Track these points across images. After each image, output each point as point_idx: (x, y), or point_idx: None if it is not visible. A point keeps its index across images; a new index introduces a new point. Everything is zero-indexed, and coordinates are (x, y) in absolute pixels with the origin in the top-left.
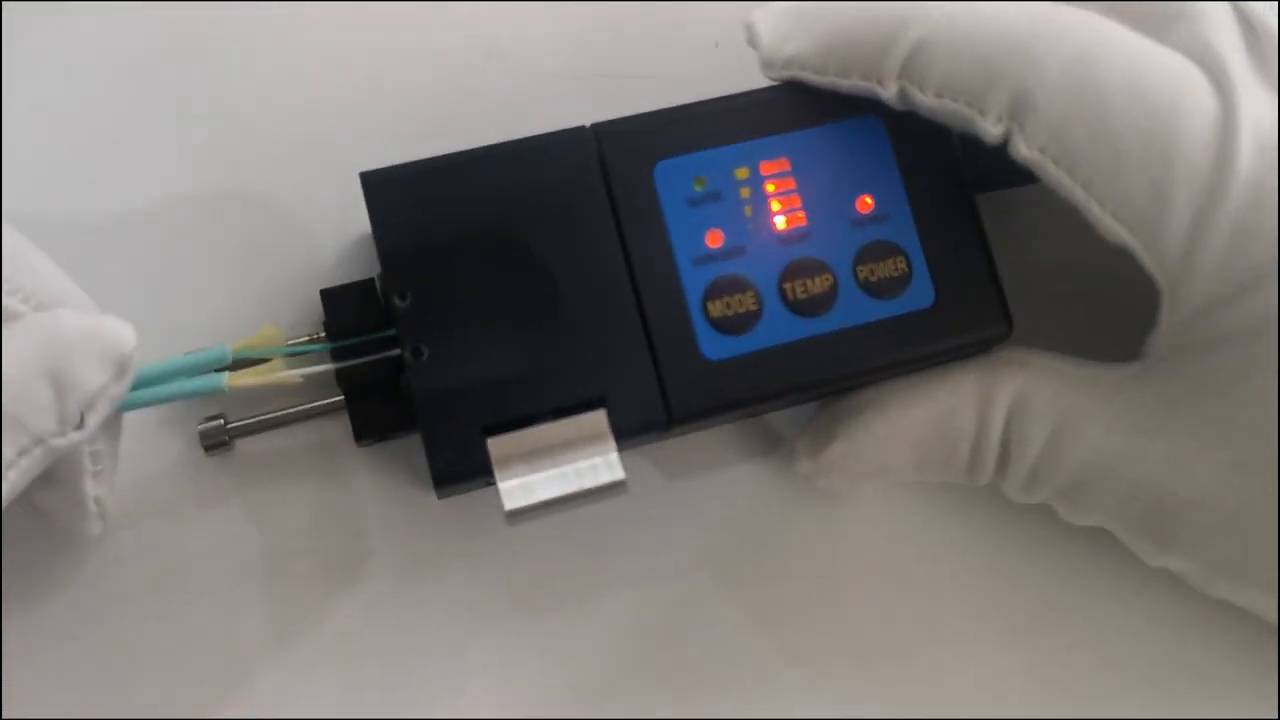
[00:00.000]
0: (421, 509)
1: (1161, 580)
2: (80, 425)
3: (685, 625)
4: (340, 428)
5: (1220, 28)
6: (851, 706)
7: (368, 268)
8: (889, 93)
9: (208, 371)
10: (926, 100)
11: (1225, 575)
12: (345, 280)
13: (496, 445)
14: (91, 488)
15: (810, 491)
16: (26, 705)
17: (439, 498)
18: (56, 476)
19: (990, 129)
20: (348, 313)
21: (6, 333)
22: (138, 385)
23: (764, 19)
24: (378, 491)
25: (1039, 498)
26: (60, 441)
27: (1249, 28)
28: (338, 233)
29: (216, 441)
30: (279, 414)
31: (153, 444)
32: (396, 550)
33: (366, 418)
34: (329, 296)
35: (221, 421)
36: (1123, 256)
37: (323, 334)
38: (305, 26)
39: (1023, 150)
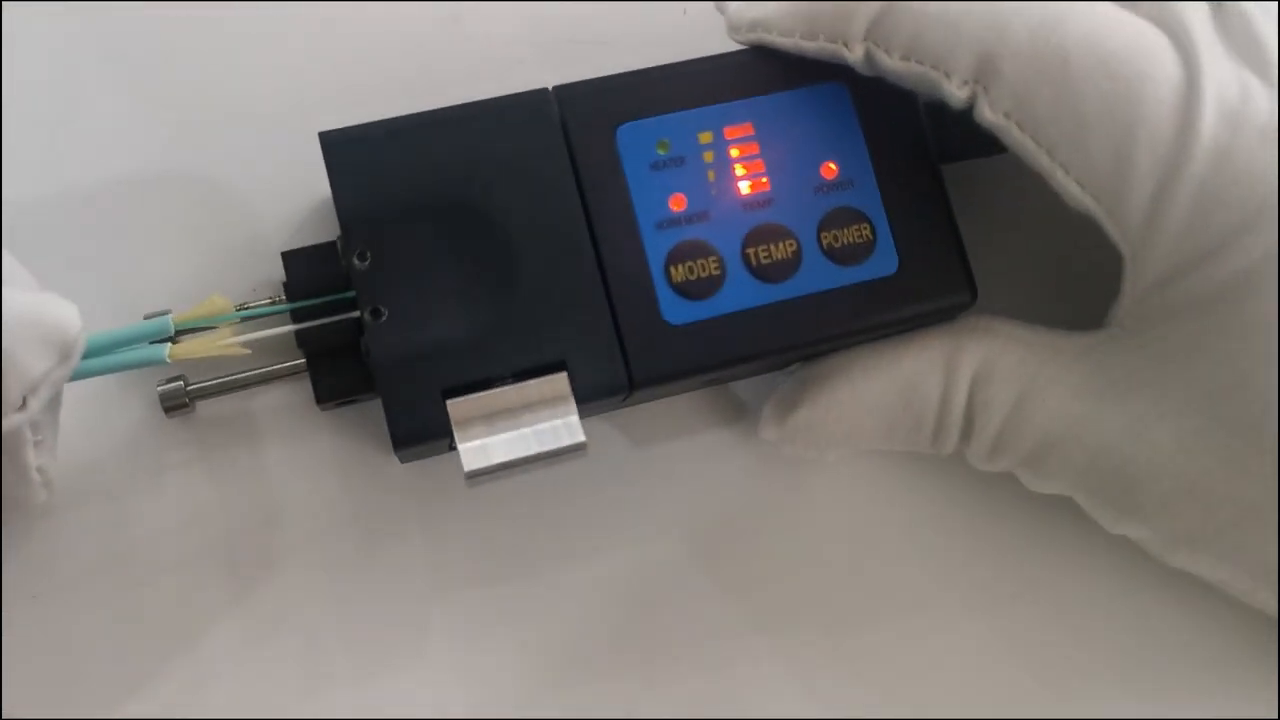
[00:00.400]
0: (384, 472)
1: (1123, 548)
2: (23, 407)
3: (651, 591)
4: (302, 390)
5: None
6: (818, 671)
7: (330, 230)
8: (855, 55)
9: (150, 342)
10: (892, 63)
11: (1184, 544)
12: (307, 243)
13: (456, 407)
14: (34, 458)
15: (777, 459)
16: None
17: (401, 461)
18: None
19: (956, 92)
20: (308, 274)
21: None
22: (89, 354)
23: None
24: (339, 454)
25: (1002, 466)
26: (2, 423)
27: None
28: (298, 196)
29: (177, 403)
30: (240, 375)
31: (114, 406)
32: (359, 514)
33: (328, 380)
34: (290, 258)
35: (182, 383)
36: (1087, 225)
37: (284, 296)
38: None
39: (987, 114)
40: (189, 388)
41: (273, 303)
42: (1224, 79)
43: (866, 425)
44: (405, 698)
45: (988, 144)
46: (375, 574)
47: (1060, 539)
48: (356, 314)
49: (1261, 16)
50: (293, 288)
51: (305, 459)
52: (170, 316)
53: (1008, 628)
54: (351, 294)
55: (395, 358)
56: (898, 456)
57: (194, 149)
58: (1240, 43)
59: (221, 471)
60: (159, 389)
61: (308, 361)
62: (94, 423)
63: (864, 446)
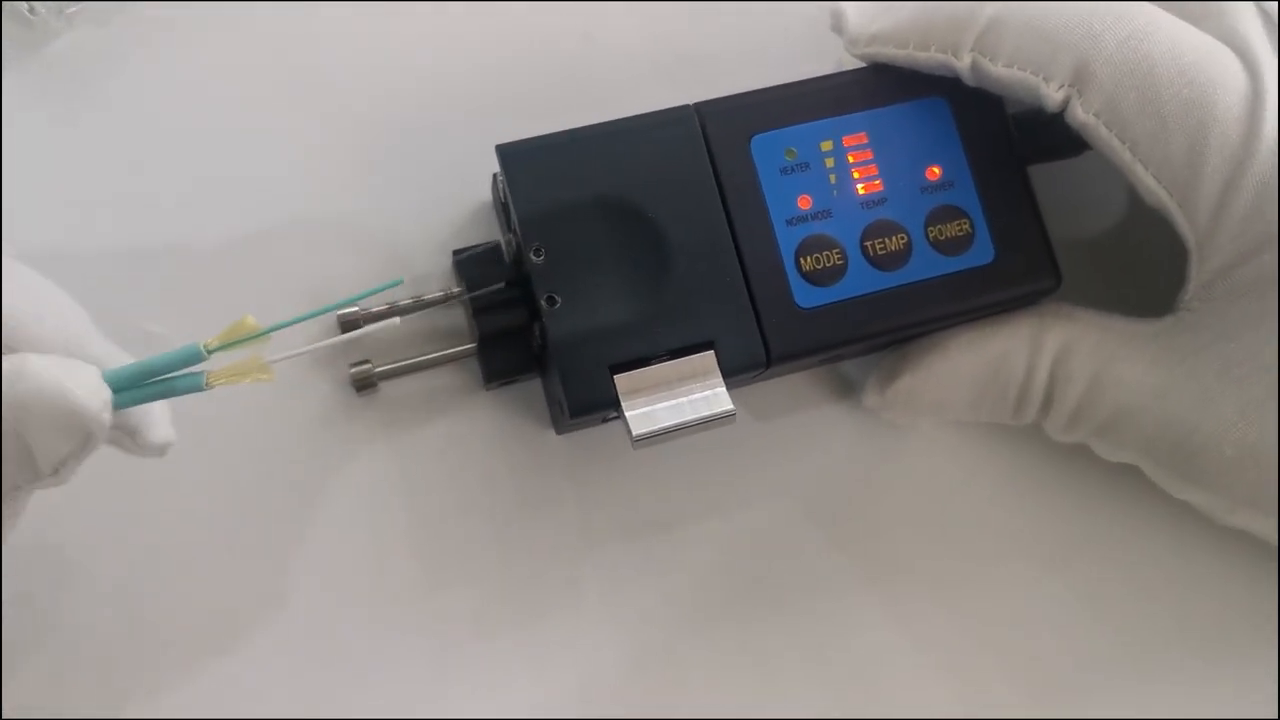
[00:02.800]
0: (540, 444)
1: (1183, 512)
2: (55, 473)
3: (773, 546)
4: (467, 374)
5: (1247, 20)
6: (918, 618)
7: (484, 232)
8: (963, 64)
9: (182, 370)
10: (996, 71)
11: (1244, 506)
12: (470, 243)
13: (622, 380)
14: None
15: (877, 430)
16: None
17: (559, 433)
18: None
19: (1053, 95)
20: (476, 269)
21: None
22: (119, 389)
23: (850, 3)
24: (502, 428)
25: (1078, 436)
26: (36, 487)
27: (1270, 22)
28: (458, 201)
29: (365, 382)
30: (418, 359)
31: (307, 385)
32: (517, 480)
33: (495, 363)
34: (460, 256)
35: (370, 365)
36: (1156, 223)
37: (452, 290)
38: (409, 14)
39: (1079, 114)
40: (376, 369)
41: (445, 295)
42: None
43: (958, 396)
44: (564, 641)
45: (1066, 148)
46: (535, 531)
47: (1127, 505)
48: (521, 303)
49: None
50: (469, 282)
51: (472, 433)
52: (201, 344)
53: (1080, 583)
54: (497, 287)
55: (569, 339)
56: (981, 428)
57: (354, 159)
58: None
59: (401, 444)
60: (351, 370)
61: (478, 346)
62: (290, 399)
63: (953, 416)
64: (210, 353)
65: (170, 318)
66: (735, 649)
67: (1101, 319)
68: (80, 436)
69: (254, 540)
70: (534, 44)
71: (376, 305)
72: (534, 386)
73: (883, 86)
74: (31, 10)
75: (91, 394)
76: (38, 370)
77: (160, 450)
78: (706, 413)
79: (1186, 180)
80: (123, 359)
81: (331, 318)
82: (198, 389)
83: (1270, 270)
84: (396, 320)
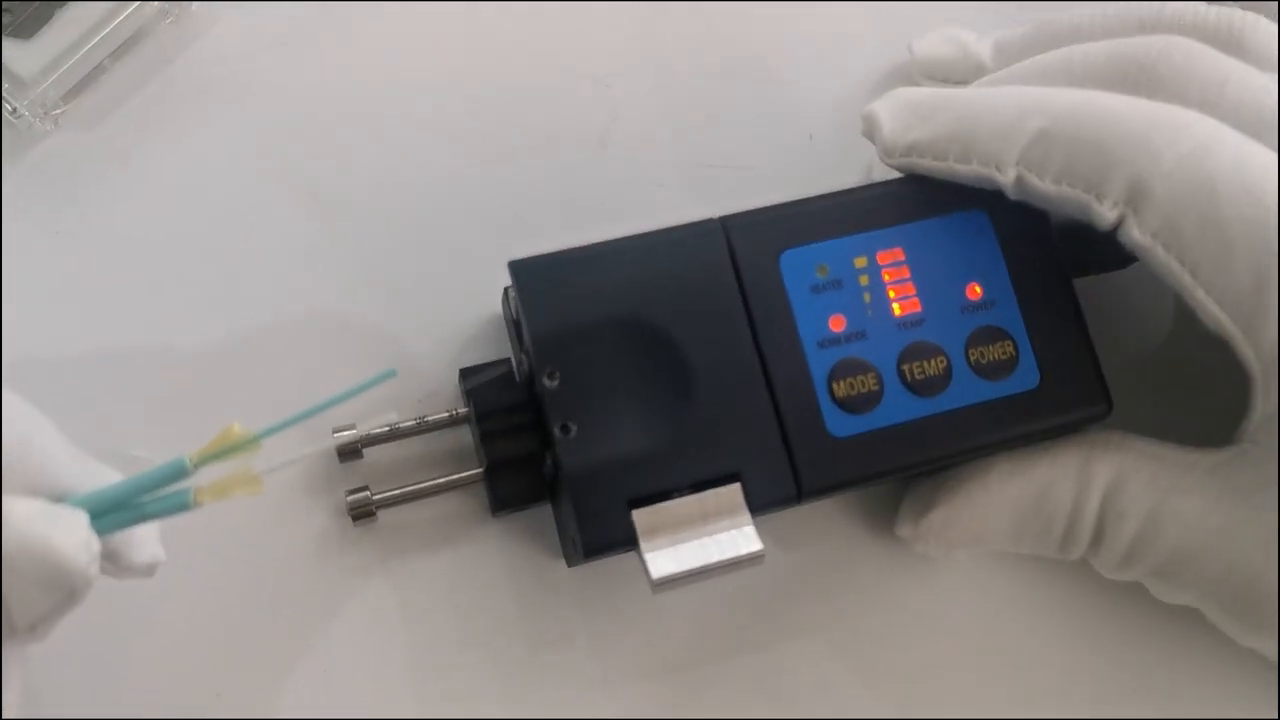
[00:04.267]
0: (549, 577)
1: (1251, 660)
2: (31, 630)
3: (798, 690)
4: (473, 500)
5: None
6: None
7: (495, 348)
8: (1007, 179)
9: (168, 486)
10: (1044, 186)
11: None
12: (476, 361)
13: (641, 517)
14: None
15: (908, 557)
16: None
17: (571, 565)
18: None
19: (1106, 214)
20: (485, 389)
21: None
22: (98, 513)
23: (884, 109)
24: (509, 560)
25: (1132, 575)
26: (10, 646)
27: None
28: (466, 314)
29: (363, 511)
30: (421, 485)
31: (299, 513)
32: (527, 616)
33: (503, 490)
34: (467, 374)
35: (368, 493)
36: (1210, 340)
37: (459, 410)
38: (417, 114)
39: (1135, 235)
40: (374, 497)
41: (450, 417)
42: None
43: (998, 527)
44: None
45: (1115, 261)
46: (544, 672)
47: (1185, 648)
48: (533, 427)
49: None
50: (478, 404)
51: (478, 564)
52: (186, 457)
53: None
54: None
55: (584, 470)
56: (1021, 559)
57: (359, 271)
58: None
59: (401, 576)
60: (347, 498)
61: (486, 472)
62: (281, 527)
63: (993, 548)
64: (196, 466)
65: (159, 436)
66: None
67: (1156, 448)
68: (64, 593)
69: (241, 680)
70: (551, 147)
71: (377, 428)
72: (544, 513)
73: (919, 199)
74: (15, 113)
75: (79, 547)
76: (21, 522)
77: (147, 571)
78: (733, 554)
79: (1252, 307)
80: (100, 476)
81: (329, 446)
82: (184, 508)
83: None
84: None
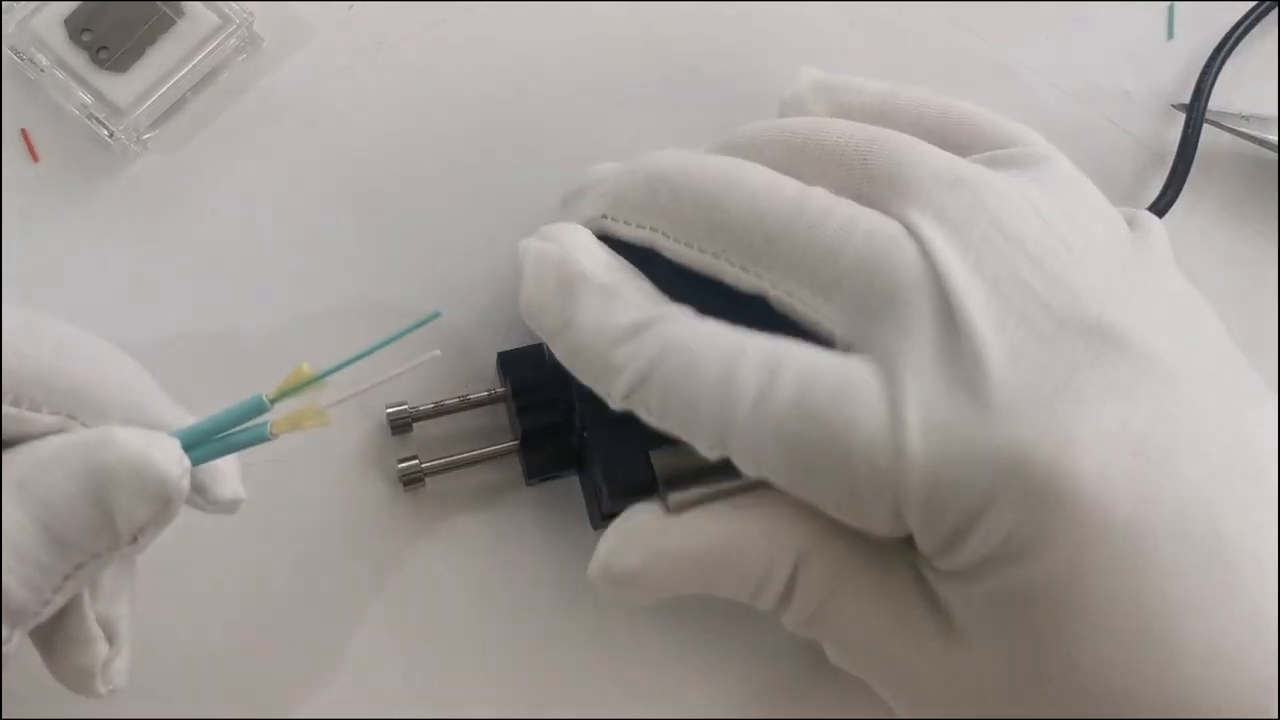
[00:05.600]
0: (576, 538)
1: None
2: (134, 541)
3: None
4: (510, 470)
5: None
6: None
7: (532, 336)
8: (618, 406)
9: (248, 421)
10: (653, 420)
11: None
12: (514, 345)
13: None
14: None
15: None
16: None
17: (596, 528)
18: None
19: (707, 453)
20: (522, 370)
21: (55, 449)
22: (187, 446)
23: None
24: (541, 523)
25: (812, 637)
26: (114, 554)
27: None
28: (502, 304)
29: (413, 478)
30: (462, 455)
31: (358, 480)
32: (557, 572)
33: (537, 460)
34: (504, 357)
35: (417, 461)
36: None
37: (496, 390)
38: (470, 132)
39: (749, 469)
40: (423, 465)
41: (490, 394)
42: (928, 391)
43: (692, 577)
44: None
45: None
46: (570, 619)
47: None
48: (561, 402)
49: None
50: (514, 382)
51: (513, 525)
52: (263, 395)
53: None
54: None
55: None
56: None
57: (417, 277)
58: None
59: (447, 537)
60: (398, 466)
61: (520, 443)
62: (342, 492)
63: (686, 593)
64: (273, 403)
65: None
66: None
67: (840, 528)
68: (161, 502)
69: (296, 629)
70: (579, 151)
71: (424, 405)
72: (573, 483)
73: None
74: (112, 137)
75: (174, 461)
76: (124, 440)
77: (231, 506)
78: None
79: (860, 520)
80: (186, 419)
81: (383, 416)
82: (263, 439)
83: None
84: (437, 352)
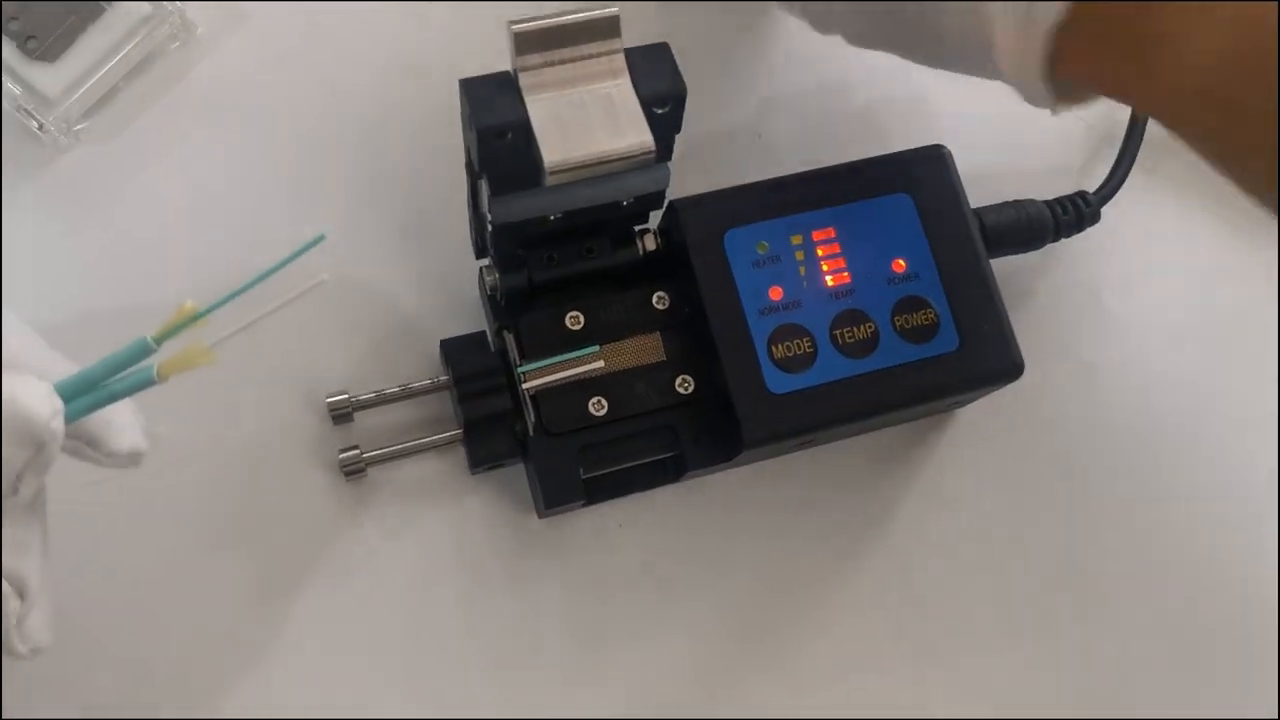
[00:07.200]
0: (521, 527)
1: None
2: (15, 493)
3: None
4: (455, 461)
5: None
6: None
7: (473, 323)
8: None
9: (134, 367)
10: None
11: None
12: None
13: None
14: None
15: None
16: None
17: (540, 517)
18: None
19: None
20: (463, 358)
21: None
22: (70, 397)
23: None
24: (486, 513)
25: None
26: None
27: None
28: (446, 292)
29: (354, 468)
30: (406, 445)
31: (300, 470)
32: (501, 560)
33: (481, 449)
34: (448, 345)
35: (359, 451)
36: None
37: (439, 378)
38: (407, 123)
39: None
40: (365, 455)
41: (432, 383)
42: None
43: None
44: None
45: (1025, 242)
46: (516, 602)
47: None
48: (505, 390)
49: None
50: (455, 369)
51: (458, 515)
52: (148, 336)
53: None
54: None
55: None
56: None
57: (357, 266)
58: None
59: (390, 524)
60: (340, 455)
61: (464, 432)
62: (282, 482)
63: None
64: (157, 343)
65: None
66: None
67: None
68: (34, 446)
69: (233, 616)
70: None
71: (365, 394)
72: (517, 473)
73: (850, 184)
74: (42, 128)
75: (41, 401)
76: None
77: (131, 460)
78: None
79: None
80: (71, 370)
81: (323, 409)
82: (150, 383)
83: None
84: (325, 277)
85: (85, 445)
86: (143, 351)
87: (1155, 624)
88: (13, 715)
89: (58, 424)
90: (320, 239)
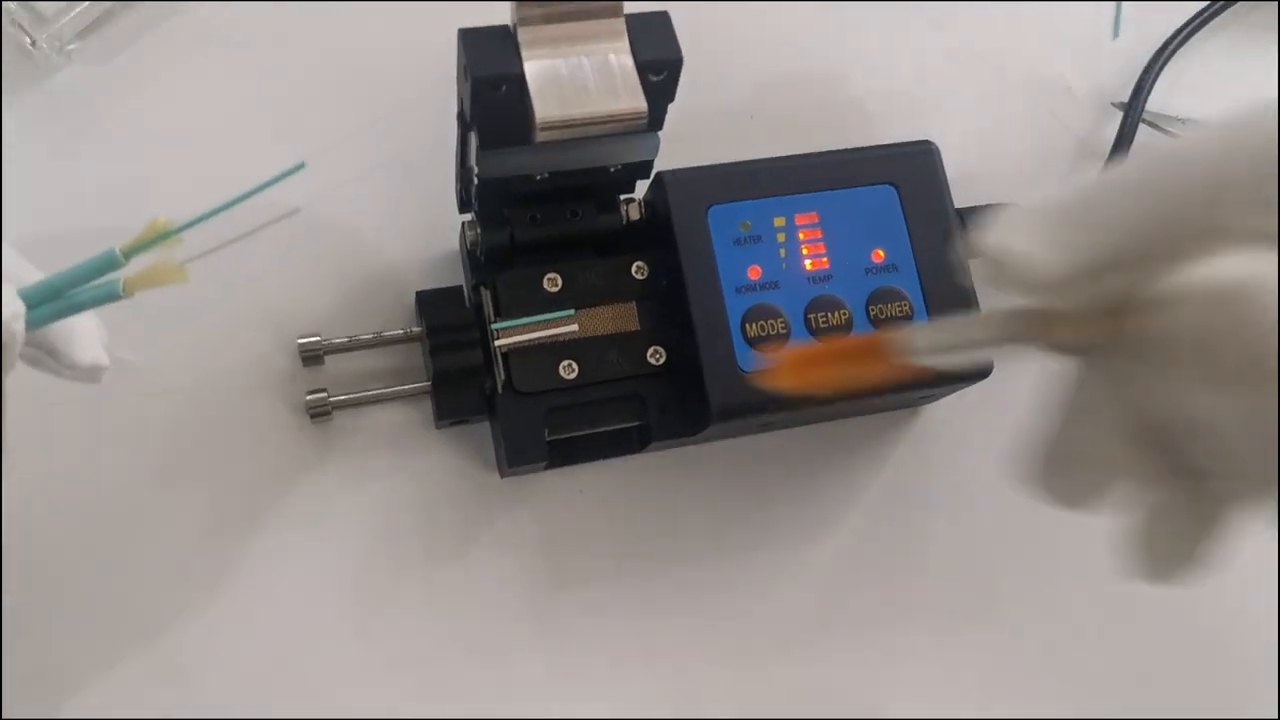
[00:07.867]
0: (481, 485)
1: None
2: None
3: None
4: (421, 413)
5: None
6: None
7: (451, 276)
8: None
9: (101, 279)
10: None
11: None
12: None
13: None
14: None
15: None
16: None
17: (503, 476)
18: None
19: None
20: (438, 311)
21: None
22: (34, 304)
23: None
24: (448, 468)
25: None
26: None
27: None
28: (428, 246)
29: (320, 410)
30: (372, 392)
31: (264, 408)
32: (460, 517)
33: (448, 403)
34: (423, 296)
35: (325, 394)
36: None
37: (412, 329)
38: (400, 76)
39: None
40: (332, 399)
41: (405, 333)
42: None
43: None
44: (499, 682)
45: None
46: (473, 564)
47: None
48: (477, 345)
49: None
50: (428, 319)
51: (419, 468)
52: (116, 248)
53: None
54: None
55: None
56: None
57: (340, 209)
58: None
59: (348, 472)
60: (307, 397)
61: (432, 384)
62: (246, 419)
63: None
64: (127, 257)
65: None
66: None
67: None
68: None
69: (189, 548)
70: None
71: (338, 338)
72: (482, 431)
73: (835, 170)
74: (34, 44)
75: (3, 302)
76: None
77: (91, 374)
78: None
79: None
80: (36, 277)
81: (294, 350)
82: (115, 297)
83: None
84: (298, 207)
85: (46, 355)
86: (110, 264)
87: (1155, 624)
88: (12, 715)
89: (18, 326)
90: (300, 166)
